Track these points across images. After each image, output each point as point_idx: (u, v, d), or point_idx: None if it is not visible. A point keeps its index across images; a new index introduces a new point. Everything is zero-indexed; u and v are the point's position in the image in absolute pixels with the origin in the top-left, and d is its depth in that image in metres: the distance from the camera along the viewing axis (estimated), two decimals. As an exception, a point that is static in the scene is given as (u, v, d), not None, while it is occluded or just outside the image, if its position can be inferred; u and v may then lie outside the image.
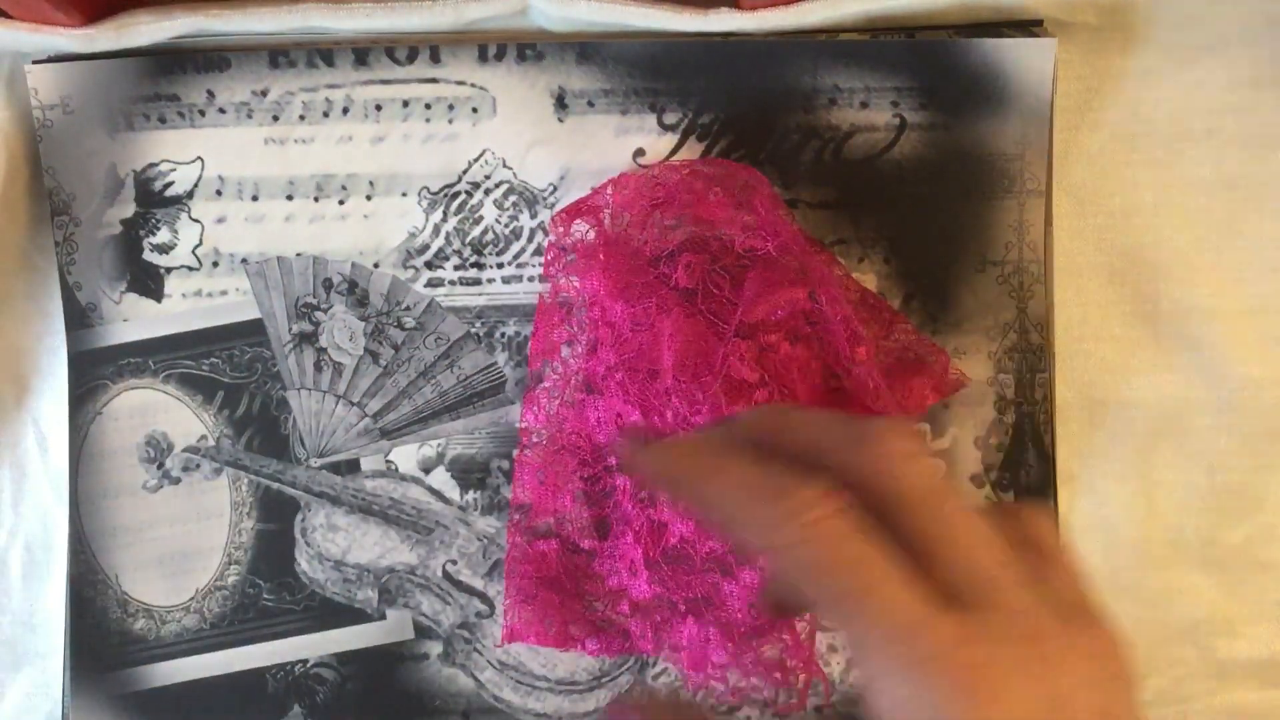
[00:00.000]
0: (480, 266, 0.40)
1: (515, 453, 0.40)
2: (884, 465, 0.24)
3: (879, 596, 0.23)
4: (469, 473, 0.40)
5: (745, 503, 0.25)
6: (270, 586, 0.40)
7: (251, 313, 0.40)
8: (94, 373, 0.40)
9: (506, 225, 0.40)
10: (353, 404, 0.40)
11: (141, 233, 0.40)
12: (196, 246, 0.40)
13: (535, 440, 0.39)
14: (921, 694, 0.23)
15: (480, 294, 0.40)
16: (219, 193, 0.40)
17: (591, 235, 0.39)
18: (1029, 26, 0.39)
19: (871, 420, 0.25)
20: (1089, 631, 0.25)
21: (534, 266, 0.40)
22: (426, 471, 0.40)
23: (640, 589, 0.39)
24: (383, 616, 0.40)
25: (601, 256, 0.38)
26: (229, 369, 0.40)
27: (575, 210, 0.39)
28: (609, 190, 0.39)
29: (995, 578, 0.24)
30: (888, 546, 0.24)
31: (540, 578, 0.39)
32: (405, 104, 0.39)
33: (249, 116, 0.39)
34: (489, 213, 0.40)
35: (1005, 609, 0.24)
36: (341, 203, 0.39)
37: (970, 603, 0.23)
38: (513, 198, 0.40)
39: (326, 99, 0.39)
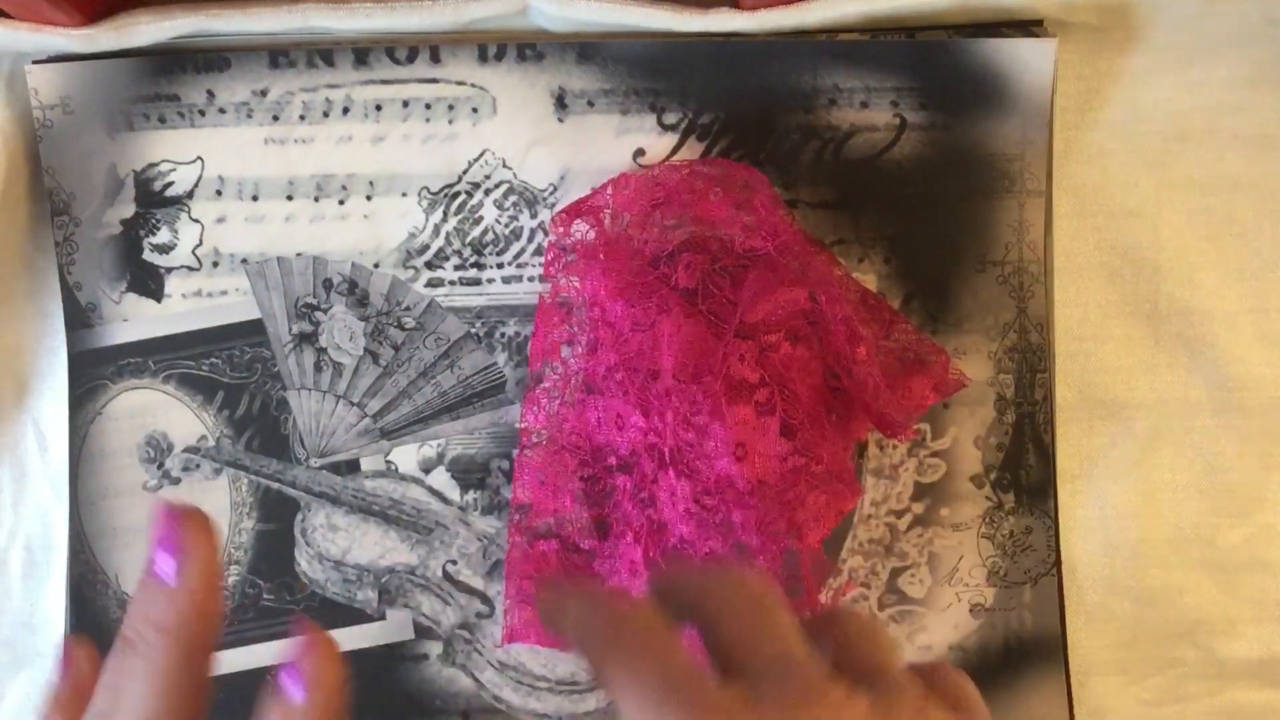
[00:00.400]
0: (480, 266, 0.40)
1: (515, 453, 0.40)
2: (703, 600, 0.25)
3: (664, 696, 0.23)
4: (469, 473, 0.40)
5: (584, 649, 0.25)
6: (270, 586, 0.40)
7: (251, 313, 0.40)
8: (94, 373, 0.40)
9: (506, 225, 0.40)
10: (353, 404, 0.40)
11: (141, 233, 0.40)
12: (196, 246, 0.40)
13: (535, 440, 0.39)
14: None
15: (480, 294, 0.40)
16: (219, 193, 0.40)
17: (591, 235, 0.39)
18: (1029, 26, 0.39)
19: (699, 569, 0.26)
20: (879, 692, 0.24)
21: (534, 266, 0.40)
22: (426, 471, 0.40)
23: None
24: (383, 616, 0.40)
25: (602, 257, 0.38)
26: (229, 369, 0.40)
27: (575, 210, 0.39)
28: (609, 190, 0.39)
29: (786, 655, 0.24)
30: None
31: (540, 578, 0.39)
32: (405, 104, 0.39)
33: (249, 116, 0.39)
34: (489, 213, 0.40)
35: (784, 677, 0.23)
36: (341, 203, 0.39)
37: (746, 682, 0.23)
38: (513, 198, 0.40)
39: (326, 99, 0.39)
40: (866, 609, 0.40)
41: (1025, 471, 0.40)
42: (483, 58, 0.39)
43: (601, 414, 0.38)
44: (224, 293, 0.40)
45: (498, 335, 0.40)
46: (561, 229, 0.39)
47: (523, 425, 0.39)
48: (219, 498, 0.40)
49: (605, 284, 0.37)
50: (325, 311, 0.40)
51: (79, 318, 0.40)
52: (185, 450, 0.40)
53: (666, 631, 0.25)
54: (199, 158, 0.39)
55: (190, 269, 0.40)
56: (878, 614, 0.40)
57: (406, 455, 0.40)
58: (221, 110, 0.39)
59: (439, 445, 0.40)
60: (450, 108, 0.39)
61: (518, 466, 0.39)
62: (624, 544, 0.38)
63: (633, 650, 0.24)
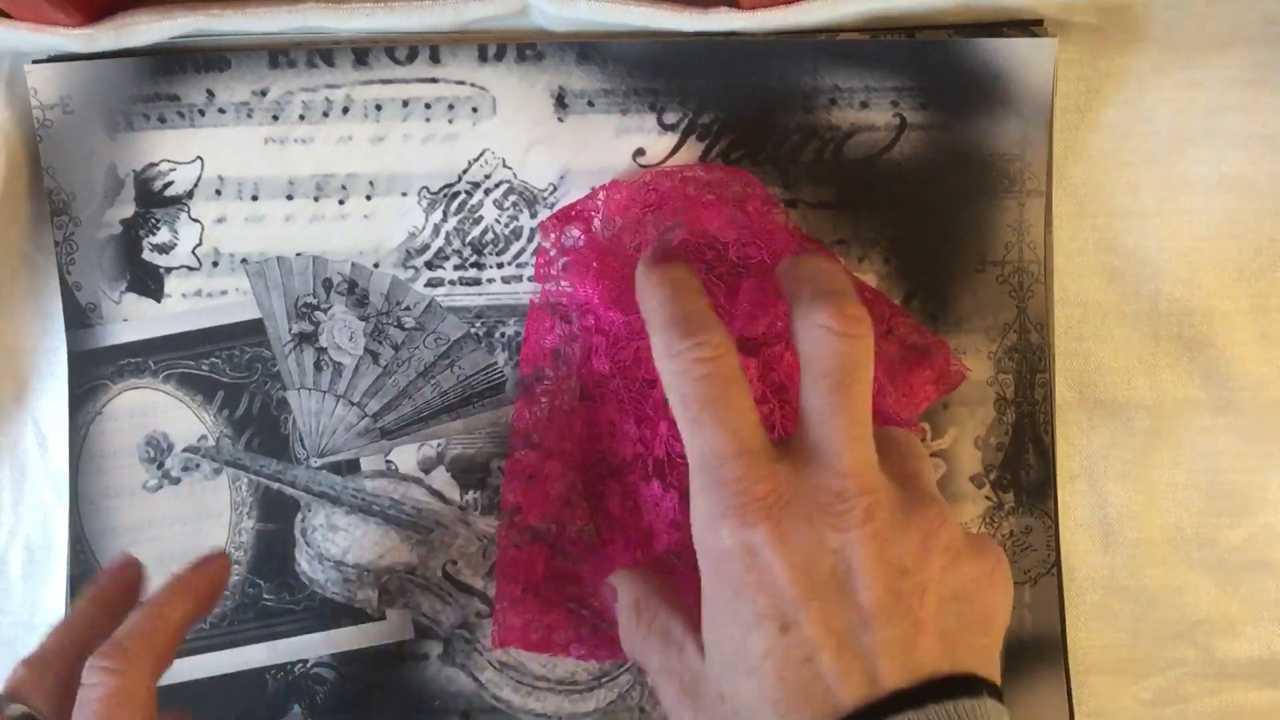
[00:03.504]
0: (480, 266, 0.40)
1: (506, 457, 0.40)
2: (811, 333, 0.28)
3: (718, 426, 0.28)
4: (469, 473, 0.40)
5: (661, 327, 0.29)
6: (270, 586, 0.40)
7: (251, 313, 0.40)
8: (94, 373, 0.40)
9: (506, 225, 0.40)
10: (353, 404, 0.40)
11: (141, 233, 0.40)
12: (196, 246, 0.40)
13: (526, 444, 0.39)
14: (714, 512, 0.27)
15: (480, 294, 0.40)
16: (219, 193, 0.40)
17: (582, 241, 0.39)
18: (1029, 26, 0.39)
19: (832, 289, 0.29)
20: (921, 511, 0.28)
21: (533, 267, 0.40)
22: (426, 471, 0.40)
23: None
24: (383, 616, 0.40)
25: (595, 264, 0.38)
26: (229, 369, 0.40)
27: (565, 216, 0.39)
28: (600, 196, 0.39)
29: (835, 446, 0.28)
30: (748, 393, 0.29)
31: (528, 582, 0.39)
32: (405, 104, 0.39)
33: (249, 116, 0.39)
34: (489, 213, 0.40)
35: (829, 470, 0.28)
36: (341, 203, 0.39)
37: (802, 462, 0.28)
38: (513, 198, 0.40)
39: (326, 99, 0.39)
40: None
41: (1025, 471, 0.40)
42: (483, 58, 0.39)
43: (594, 421, 0.38)
44: (224, 293, 0.40)
45: (498, 335, 0.40)
46: (553, 235, 0.39)
47: (514, 429, 0.39)
48: (219, 498, 0.40)
49: (598, 291, 0.37)
50: (325, 311, 0.40)
51: (79, 318, 0.40)
52: (185, 450, 0.40)
53: (743, 382, 0.29)
54: (199, 157, 0.39)
55: (190, 269, 0.40)
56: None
57: (406, 455, 0.40)
58: (221, 110, 0.39)
59: (439, 445, 0.40)
60: (450, 108, 0.39)
61: (508, 470, 0.39)
62: (613, 549, 0.38)
63: (700, 407, 0.28)
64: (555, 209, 0.39)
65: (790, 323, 0.29)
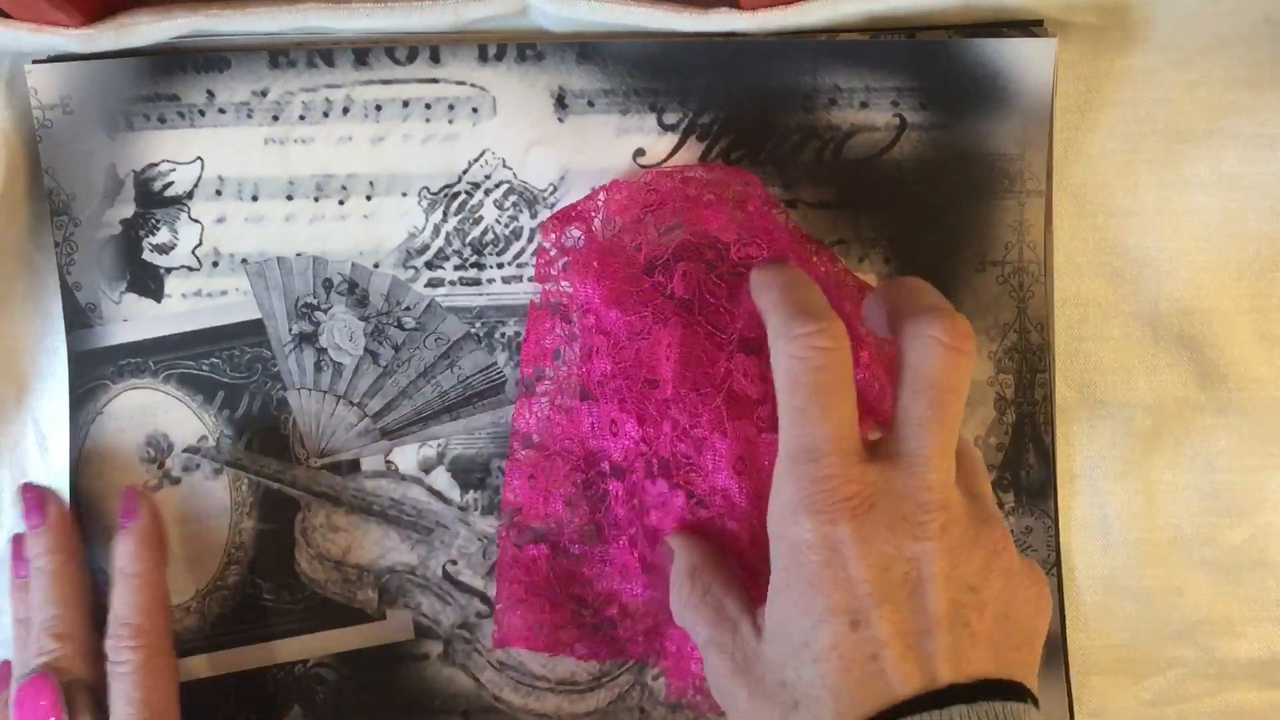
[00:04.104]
0: (480, 267, 0.40)
1: (507, 457, 0.40)
2: (922, 344, 0.29)
3: (823, 420, 0.29)
4: (469, 473, 0.40)
5: (781, 310, 0.30)
6: (270, 586, 0.40)
7: (251, 313, 0.40)
8: (94, 373, 0.40)
9: (506, 225, 0.40)
10: (353, 404, 0.40)
11: (141, 233, 0.40)
12: (196, 246, 0.40)
13: (527, 444, 0.39)
14: (799, 504, 0.28)
15: (480, 294, 0.40)
16: (219, 193, 0.40)
17: (583, 242, 0.39)
18: (1029, 26, 0.39)
19: (942, 304, 0.31)
20: (987, 527, 0.30)
21: (534, 267, 0.40)
22: (426, 471, 0.40)
23: (633, 593, 0.38)
24: (383, 616, 0.40)
25: (595, 264, 0.38)
26: (229, 369, 0.40)
27: (565, 216, 0.39)
28: (600, 196, 0.39)
29: (923, 457, 0.29)
30: (853, 392, 0.30)
31: (530, 582, 0.39)
32: (405, 104, 0.39)
33: (249, 116, 0.39)
34: (489, 213, 0.40)
35: (914, 479, 0.28)
36: (341, 203, 0.39)
37: (890, 468, 0.29)
38: (513, 198, 0.40)
39: (326, 99, 0.39)
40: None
41: (1025, 471, 0.40)
42: (483, 58, 0.39)
43: (596, 420, 0.38)
44: (224, 293, 0.40)
45: (498, 335, 0.40)
46: (553, 235, 0.39)
47: (515, 429, 0.39)
48: (219, 498, 0.40)
49: (599, 291, 0.37)
50: (325, 311, 0.40)
51: (79, 318, 0.40)
52: (185, 450, 0.40)
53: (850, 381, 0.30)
54: (199, 158, 0.39)
55: (190, 269, 0.40)
56: None
57: (406, 455, 0.40)
58: (221, 110, 0.39)
59: (439, 445, 0.40)
60: (450, 108, 0.39)
61: (509, 470, 0.39)
62: (616, 548, 0.38)
63: (807, 396, 0.29)
64: (555, 209, 0.39)
65: (898, 333, 0.31)
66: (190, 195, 0.40)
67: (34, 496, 0.39)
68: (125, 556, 0.37)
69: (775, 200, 0.39)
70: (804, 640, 0.28)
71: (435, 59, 0.39)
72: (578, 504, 0.39)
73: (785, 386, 0.30)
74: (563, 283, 0.39)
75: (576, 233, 0.39)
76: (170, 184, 0.39)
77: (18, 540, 0.39)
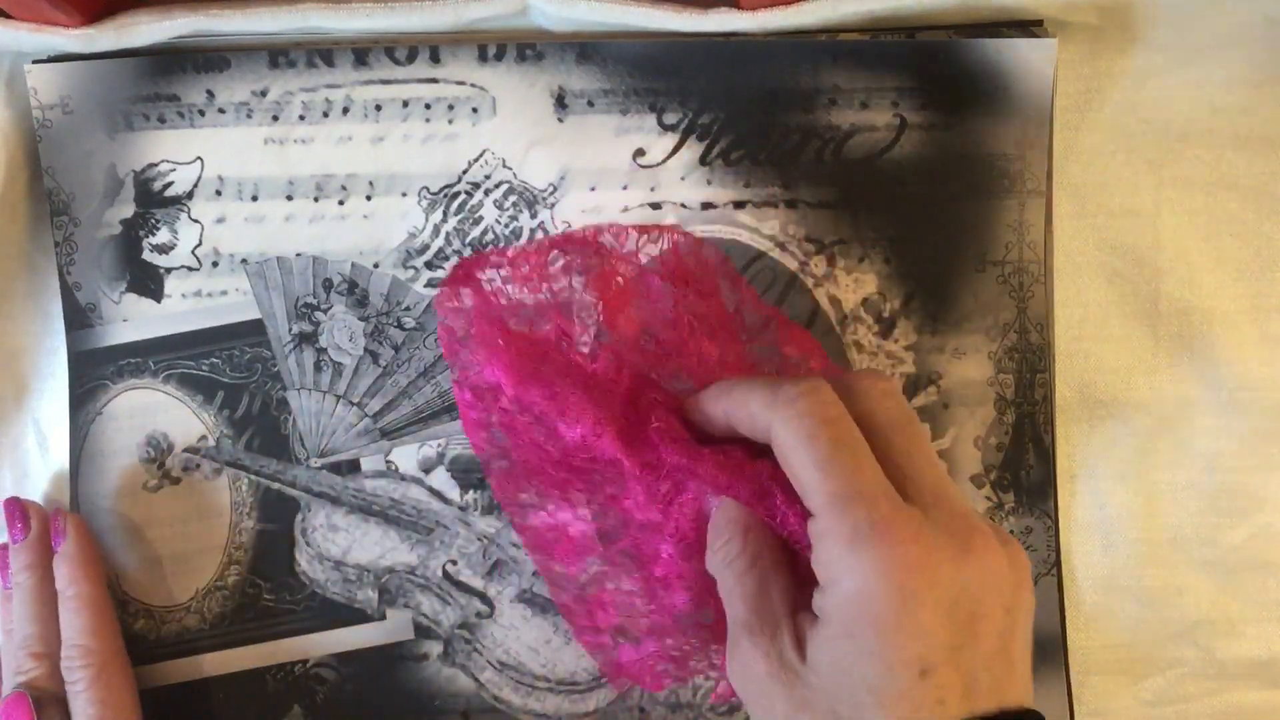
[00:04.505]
0: (480, 266, 0.40)
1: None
2: (867, 402, 0.30)
3: (860, 467, 0.28)
4: (469, 473, 0.40)
5: (761, 385, 0.30)
6: (270, 586, 0.40)
7: (251, 313, 0.40)
8: (94, 373, 0.40)
9: (506, 225, 0.40)
10: (353, 404, 0.40)
11: (141, 233, 0.40)
12: (196, 247, 0.40)
13: (522, 510, 0.38)
14: (861, 557, 0.27)
15: (480, 294, 0.40)
16: (219, 193, 0.40)
17: (472, 303, 0.37)
18: (1029, 26, 0.39)
19: (856, 372, 0.32)
20: (1011, 545, 0.29)
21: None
22: (426, 471, 0.40)
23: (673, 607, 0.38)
24: (383, 616, 0.40)
25: (499, 338, 0.36)
26: (229, 369, 0.40)
27: (456, 279, 0.38)
28: (507, 254, 0.37)
29: (944, 487, 0.29)
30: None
31: (605, 627, 0.38)
32: (405, 104, 0.39)
33: (249, 116, 0.39)
34: (489, 213, 0.40)
35: (948, 509, 0.29)
36: (341, 203, 0.39)
37: (919, 504, 0.28)
38: (512, 198, 0.40)
39: (326, 99, 0.39)
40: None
41: (1025, 472, 0.40)
42: (483, 58, 0.39)
43: (557, 520, 0.37)
44: (224, 293, 0.40)
45: (498, 335, 0.40)
46: (450, 303, 0.37)
47: (501, 500, 0.39)
48: (219, 498, 0.40)
49: (503, 366, 0.36)
50: (325, 311, 0.40)
51: (79, 318, 0.40)
52: (185, 450, 0.40)
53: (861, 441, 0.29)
54: (199, 158, 0.39)
55: (190, 269, 0.40)
56: None
57: (406, 455, 0.40)
58: (221, 110, 0.39)
59: (439, 445, 0.40)
60: (450, 108, 0.39)
61: (525, 538, 0.39)
62: (649, 579, 0.37)
63: (832, 448, 0.29)
64: (555, 208, 0.39)
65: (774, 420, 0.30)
66: (190, 195, 0.40)
67: (16, 510, 0.39)
68: (62, 580, 0.38)
69: (694, 240, 0.38)
70: (868, 685, 0.27)
71: (435, 59, 0.39)
72: (593, 546, 0.38)
73: (802, 444, 0.29)
74: (471, 364, 0.37)
75: (468, 295, 0.37)
76: (170, 184, 0.39)
77: (1, 551, 0.39)
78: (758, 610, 0.30)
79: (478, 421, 0.38)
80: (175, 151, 0.39)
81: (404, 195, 0.39)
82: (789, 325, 0.39)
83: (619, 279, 0.37)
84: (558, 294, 0.38)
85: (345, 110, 0.39)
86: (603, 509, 0.37)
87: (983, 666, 0.28)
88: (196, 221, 0.40)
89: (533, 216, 0.40)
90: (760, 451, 0.31)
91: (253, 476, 0.40)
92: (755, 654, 0.30)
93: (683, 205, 0.39)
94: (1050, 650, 0.40)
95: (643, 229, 0.39)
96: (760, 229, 0.40)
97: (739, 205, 0.39)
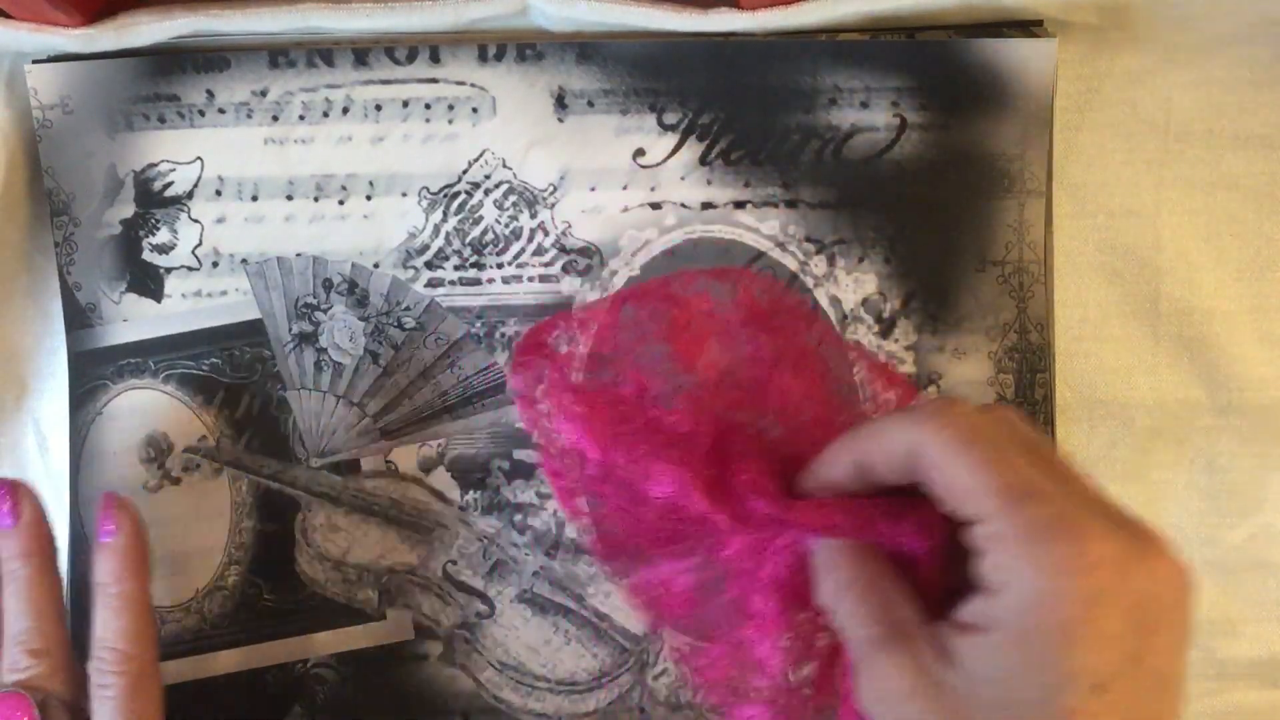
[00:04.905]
0: (480, 267, 0.40)
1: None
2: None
3: (1026, 465, 0.27)
4: (469, 473, 0.40)
5: (887, 426, 0.29)
6: (270, 586, 0.40)
7: (251, 313, 0.40)
8: (94, 373, 0.40)
9: (506, 225, 0.40)
10: (353, 404, 0.40)
11: (141, 233, 0.40)
12: (196, 247, 0.40)
13: (615, 562, 0.37)
14: (1043, 554, 0.25)
15: (480, 294, 0.40)
16: (219, 193, 0.40)
17: (553, 381, 0.36)
18: (1029, 26, 0.39)
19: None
20: (1181, 556, 0.27)
21: (534, 266, 0.40)
22: (426, 471, 0.40)
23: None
24: (383, 616, 0.40)
25: (580, 409, 0.35)
26: (229, 369, 0.40)
27: (530, 347, 0.37)
28: (561, 325, 0.37)
29: (1103, 492, 0.28)
30: None
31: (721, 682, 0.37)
32: (405, 104, 0.39)
33: (249, 116, 0.39)
34: (489, 213, 0.40)
35: (1116, 511, 0.27)
36: (341, 203, 0.39)
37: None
38: (513, 198, 0.40)
39: (326, 99, 0.39)
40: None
41: (1025, 471, 0.40)
42: (483, 58, 0.39)
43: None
44: (224, 293, 0.40)
45: (498, 335, 0.40)
46: (525, 373, 0.36)
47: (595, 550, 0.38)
48: (219, 498, 0.40)
49: (587, 433, 0.35)
50: (325, 311, 0.40)
51: (79, 318, 0.40)
52: (185, 450, 0.40)
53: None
54: (199, 158, 0.39)
55: (190, 269, 0.40)
56: None
57: (406, 455, 0.40)
58: (221, 110, 0.39)
59: (439, 445, 0.40)
60: (450, 108, 0.39)
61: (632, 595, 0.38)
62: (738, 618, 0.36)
63: (996, 447, 0.27)
64: (555, 208, 0.39)
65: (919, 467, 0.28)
66: (190, 195, 0.40)
67: (6, 492, 0.36)
68: (108, 575, 0.35)
69: (770, 280, 0.38)
70: (1036, 696, 0.25)
71: (435, 59, 0.39)
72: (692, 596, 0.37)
73: (963, 448, 0.27)
74: (556, 433, 0.37)
75: (542, 369, 0.37)
76: (170, 184, 0.40)
77: None
78: (889, 626, 0.29)
79: (568, 489, 0.37)
80: (175, 151, 0.39)
81: (404, 195, 0.39)
82: (871, 360, 0.39)
83: (692, 323, 0.36)
84: (631, 348, 0.37)
85: (345, 110, 0.39)
86: (705, 561, 0.35)
87: (1149, 687, 0.26)
88: (196, 221, 0.40)
89: (533, 216, 0.40)
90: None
91: (253, 476, 0.40)
92: (892, 670, 0.28)
93: (683, 205, 0.39)
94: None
95: (712, 272, 0.38)
96: (760, 229, 0.40)
97: (739, 205, 0.39)
